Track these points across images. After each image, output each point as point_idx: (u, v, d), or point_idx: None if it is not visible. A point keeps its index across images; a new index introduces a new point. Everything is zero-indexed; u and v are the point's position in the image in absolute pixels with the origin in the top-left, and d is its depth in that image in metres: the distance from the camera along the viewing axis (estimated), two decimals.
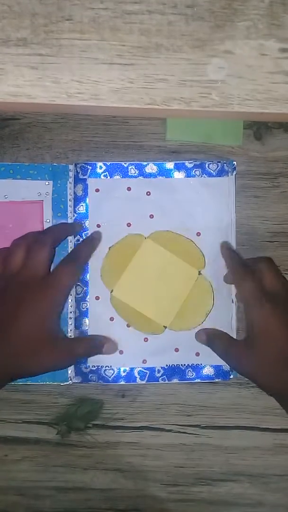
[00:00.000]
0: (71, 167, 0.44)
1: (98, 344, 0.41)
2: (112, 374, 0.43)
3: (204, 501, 0.44)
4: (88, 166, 0.43)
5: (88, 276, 0.43)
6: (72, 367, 0.43)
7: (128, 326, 0.43)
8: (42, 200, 0.44)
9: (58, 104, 0.34)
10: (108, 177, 0.43)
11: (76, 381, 0.43)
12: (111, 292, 0.43)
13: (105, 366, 0.43)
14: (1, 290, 0.38)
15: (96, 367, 0.43)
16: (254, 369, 0.38)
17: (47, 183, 0.43)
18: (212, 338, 0.42)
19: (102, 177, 0.43)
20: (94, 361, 0.43)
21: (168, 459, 0.44)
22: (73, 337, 0.43)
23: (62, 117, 0.44)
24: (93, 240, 0.43)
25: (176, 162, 0.44)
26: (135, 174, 0.44)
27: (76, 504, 0.44)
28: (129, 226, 0.44)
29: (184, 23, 0.34)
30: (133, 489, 0.44)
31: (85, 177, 0.43)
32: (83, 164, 0.43)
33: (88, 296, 0.43)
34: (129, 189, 0.44)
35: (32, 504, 0.44)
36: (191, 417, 0.44)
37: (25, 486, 0.44)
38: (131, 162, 0.44)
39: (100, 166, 0.43)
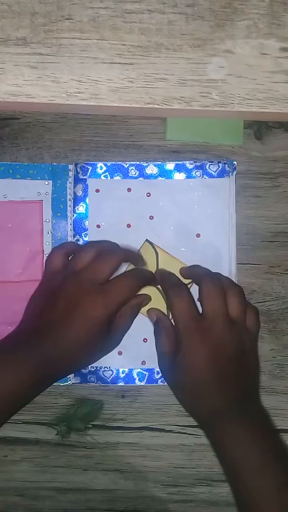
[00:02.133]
0: (70, 167, 0.43)
1: (137, 308, 0.41)
2: (111, 375, 0.43)
3: (204, 501, 0.44)
4: (88, 166, 0.43)
5: None
6: None
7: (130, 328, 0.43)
8: (42, 200, 0.43)
9: (57, 103, 0.34)
10: (109, 178, 0.43)
11: (75, 381, 0.43)
12: None
13: (104, 367, 0.43)
14: (57, 285, 0.38)
15: (95, 368, 0.43)
16: (173, 384, 0.39)
17: (46, 182, 0.43)
18: (158, 323, 0.41)
19: (102, 177, 0.43)
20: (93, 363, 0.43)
21: (168, 459, 0.44)
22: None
23: (62, 117, 0.44)
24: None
25: (177, 163, 0.43)
26: (136, 175, 0.43)
27: (76, 505, 0.44)
28: (129, 227, 0.44)
29: (184, 22, 0.34)
30: (133, 489, 0.44)
31: (85, 177, 0.43)
32: (83, 164, 0.43)
33: None
34: (129, 190, 0.43)
35: (32, 504, 0.44)
36: (191, 418, 0.44)
37: (25, 486, 0.44)
38: (132, 163, 0.43)
39: (100, 166, 0.43)
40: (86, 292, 0.37)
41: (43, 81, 0.33)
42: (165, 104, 0.34)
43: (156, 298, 0.42)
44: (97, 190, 0.43)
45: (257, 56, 0.34)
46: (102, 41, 0.33)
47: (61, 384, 0.43)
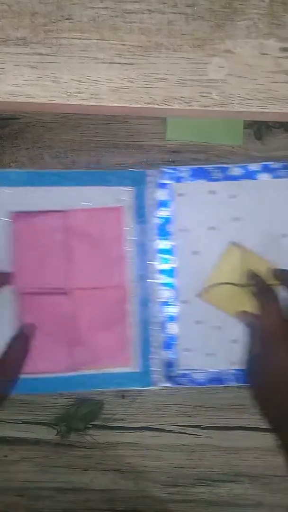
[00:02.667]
0: (149, 172, 0.43)
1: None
2: (202, 377, 0.43)
3: (204, 501, 0.44)
4: (172, 171, 0.43)
5: (173, 280, 0.43)
6: (160, 371, 0.43)
7: (216, 329, 0.43)
8: (123, 206, 0.43)
9: (57, 103, 0.34)
10: (192, 181, 0.43)
11: (165, 385, 0.43)
12: (198, 296, 0.43)
13: (195, 370, 0.43)
14: None
15: (186, 370, 0.43)
16: (258, 387, 0.38)
17: (127, 189, 0.43)
18: (250, 326, 0.40)
19: (185, 181, 0.43)
20: (183, 364, 0.43)
21: (168, 459, 0.44)
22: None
23: (62, 117, 0.44)
24: None
25: (261, 163, 0.43)
26: (219, 178, 0.43)
27: (76, 505, 0.44)
28: (213, 230, 0.43)
29: (184, 22, 0.34)
30: (133, 489, 0.44)
31: (168, 182, 0.43)
32: (167, 169, 0.43)
33: (174, 300, 0.43)
34: (213, 192, 0.43)
35: (32, 504, 0.44)
36: (191, 418, 0.44)
37: (25, 486, 0.44)
38: (215, 166, 0.43)
39: (183, 170, 0.43)
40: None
41: (43, 81, 0.33)
42: (165, 104, 0.34)
43: (242, 299, 0.42)
44: (181, 194, 0.43)
45: (257, 56, 0.34)
46: (102, 41, 0.33)
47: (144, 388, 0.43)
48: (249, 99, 0.34)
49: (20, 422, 0.44)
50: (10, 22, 0.33)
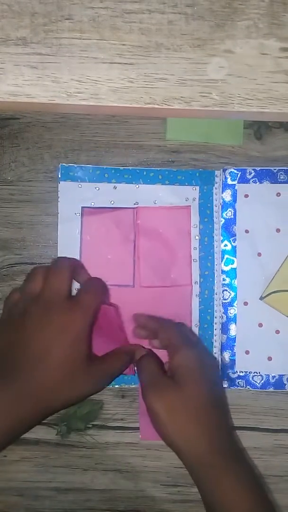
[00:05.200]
0: (217, 172, 0.44)
1: (130, 358, 0.39)
2: (261, 380, 0.43)
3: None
4: (237, 172, 0.43)
5: (235, 281, 0.43)
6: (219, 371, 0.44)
7: (277, 332, 0.43)
8: (190, 205, 0.44)
9: (57, 103, 0.34)
10: (257, 183, 0.43)
11: (225, 386, 0.43)
12: (260, 299, 0.43)
13: (254, 372, 0.43)
14: (20, 314, 0.36)
15: (244, 372, 0.43)
16: (168, 413, 0.35)
17: (194, 188, 0.43)
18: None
19: (251, 182, 0.43)
20: (241, 366, 0.43)
21: (168, 459, 0.44)
22: (118, 352, 0.40)
23: (62, 117, 0.44)
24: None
25: None
26: (285, 180, 0.43)
27: (76, 505, 0.44)
28: (278, 232, 0.43)
29: (184, 22, 0.34)
30: (133, 489, 0.44)
31: (234, 182, 0.43)
32: (232, 170, 0.43)
33: (236, 302, 0.43)
34: (278, 194, 0.43)
35: (32, 504, 0.44)
36: None
37: (25, 486, 0.44)
38: (281, 168, 0.43)
39: (249, 171, 0.43)
40: (56, 312, 0.35)
41: (43, 81, 0.33)
42: (165, 104, 0.34)
43: None
44: (246, 195, 0.43)
45: (257, 56, 0.34)
46: (102, 41, 0.33)
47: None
48: (249, 99, 0.34)
49: None
50: (10, 22, 0.33)
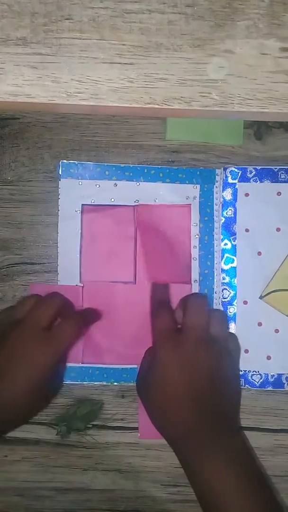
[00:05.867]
0: (218, 171, 0.44)
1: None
2: (260, 379, 0.43)
3: None
4: (238, 171, 0.43)
5: (235, 280, 0.43)
6: None
7: (276, 331, 0.43)
8: (190, 204, 0.44)
9: (57, 103, 0.34)
10: (258, 182, 0.43)
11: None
12: (260, 298, 0.43)
13: (253, 371, 0.43)
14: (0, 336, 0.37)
15: (244, 371, 0.43)
16: (147, 402, 0.38)
17: (194, 187, 0.43)
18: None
19: (252, 181, 0.43)
20: (241, 365, 0.43)
21: (168, 459, 0.44)
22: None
23: (62, 117, 0.44)
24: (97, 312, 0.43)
25: None
26: (286, 179, 0.43)
27: (76, 505, 0.44)
28: (278, 231, 0.43)
29: (184, 22, 0.34)
30: (133, 489, 0.44)
31: (234, 181, 0.43)
32: (233, 169, 0.43)
33: (235, 300, 0.43)
34: (279, 193, 0.43)
35: (32, 504, 0.44)
36: None
37: (25, 486, 0.44)
38: (282, 167, 0.43)
39: (250, 170, 0.43)
40: (30, 339, 0.36)
41: (43, 81, 0.33)
42: (165, 104, 0.34)
43: None
44: (247, 194, 0.43)
45: (257, 56, 0.34)
46: (102, 41, 0.33)
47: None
48: (249, 99, 0.34)
49: None
50: (10, 22, 0.33)
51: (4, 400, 0.35)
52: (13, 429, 0.40)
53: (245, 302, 0.43)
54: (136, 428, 0.44)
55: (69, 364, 0.43)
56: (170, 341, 0.37)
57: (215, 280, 0.44)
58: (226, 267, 0.44)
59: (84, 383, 0.43)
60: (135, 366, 0.43)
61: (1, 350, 0.36)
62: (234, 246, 0.43)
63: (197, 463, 0.35)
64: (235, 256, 0.44)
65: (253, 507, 0.34)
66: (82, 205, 0.43)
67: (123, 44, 0.33)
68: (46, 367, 0.36)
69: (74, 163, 0.43)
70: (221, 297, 0.43)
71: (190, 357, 0.36)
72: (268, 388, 0.43)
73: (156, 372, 0.37)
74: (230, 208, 0.43)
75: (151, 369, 0.38)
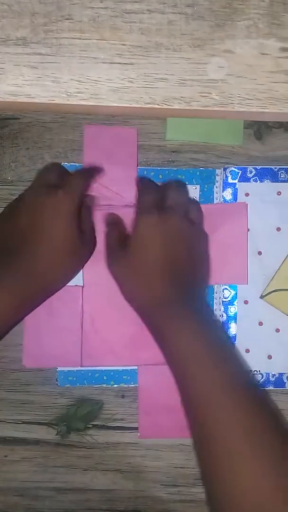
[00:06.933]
0: (218, 171, 0.44)
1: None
2: (261, 378, 0.43)
3: (204, 501, 0.44)
4: (238, 171, 0.43)
5: None
6: None
7: (277, 331, 0.43)
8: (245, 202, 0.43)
9: (57, 103, 0.34)
10: (258, 181, 0.43)
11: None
12: (261, 297, 0.43)
13: (254, 371, 0.43)
14: (17, 203, 0.39)
15: None
16: (120, 275, 0.39)
17: (194, 187, 0.44)
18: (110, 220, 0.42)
19: (252, 181, 0.43)
20: None
21: (168, 459, 0.44)
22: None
23: (62, 117, 0.44)
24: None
25: None
26: (286, 178, 0.43)
27: (76, 505, 0.44)
28: (278, 231, 0.43)
29: (184, 22, 0.34)
30: (133, 489, 0.44)
31: (234, 181, 0.43)
32: (233, 168, 0.43)
33: (236, 300, 0.43)
34: (279, 193, 0.43)
35: (32, 504, 0.44)
36: None
37: (25, 486, 0.44)
38: (281, 167, 0.43)
39: (250, 170, 0.43)
40: (43, 197, 0.37)
41: (43, 81, 0.33)
42: (165, 104, 0.34)
43: None
44: (247, 194, 0.43)
45: (257, 56, 0.34)
46: (102, 41, 0.33)
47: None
48: (249, 99, 0.34)
49: (20, 422, 0.44)
50: (10, 22, 0.33)
51: (46, 261, 0.37)
52: (58, 289, 0.40)
53: (245, 302, 0.43)
54: (136, 428, 0.44)
55: (68, 368, 0.43)
56: (153, 216, 0.38)
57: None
58: None
59: (83, 386, 0.43)
60: (135, 367, 0.43)
61: (24, 214, 0.37)
62: None
63: (167, 328, 0.35)
64: None
65: (219, 375, 0.34)
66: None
67: (123, 44, 0.33)
68: (67, 215, 0.37)
69: (75, 165, 0.43)
70: (221, 296, 0.43)
71: (170, 231, 0.38)
72: (269, 388, 0.43)
73: (136, 244, 0.38)
74: None
75: (130, 241, 0.38)
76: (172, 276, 0.37)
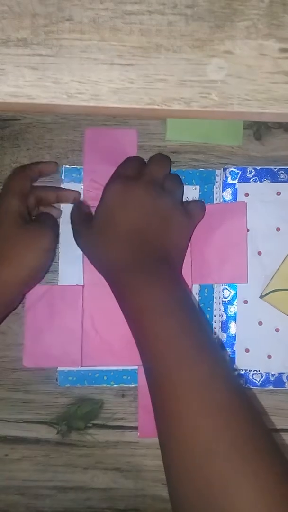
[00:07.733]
0: (218, 171, 0.44)
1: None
2: (261, 378, 0.43)
3: None
4: (238, 171, 0.43)
5: None
6: None
7: (277, 331, 0.43)
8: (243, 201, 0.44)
9: (58, 104, 0.34)
10: (258, 182, 0.44)
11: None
12: (260, 297, 0.44)
13: (253, 371, 0.43)
14: None
15: (244, 371, 0.43)
16: (88, 247, 0.40)
17: (194, 188, 0.44)
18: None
19: (251, 181, 0.44)
20: (241, 364, 0.43)
21: None
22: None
23: (63, 118, 0.44)
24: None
25: None
26: (285, 179, 0.43)
27: (76, 504, 0.44)
28: (278, 231, 0.44)
29: (184, 23, 0.34)
30: (133, 488, 0.44)
31: (234, 181, 0.44)
32: (233, 169, 0.43)
33: (235, 300, 0.44)
34: (278, 193, 0.44)
35: (32, 503, 0.44)
36: None
37: (25, 485, 0.44)
38: (281, 167, 0.44)
39: (249, 170, 0.44)
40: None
41: (44, 82, 0.34)
42: (165, 105, 0.34)
43: None
44: (247, 194, 0.44)
45: (257, 56, 0.34)
46: (102, 42, 0.34)
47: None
48: (248, 99, 0.34)
49: (21, 421, 0.44)
50: (10, 23, 0.33)
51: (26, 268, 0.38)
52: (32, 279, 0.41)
53: (245, 302, 0.43)
54: (136, 427, 0.44)
55: (68, 368, 0.43)
56: (116, 184, 0.38)
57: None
58: None
59: (83, 386, 0.44)
60: (135, 367, 0.43)
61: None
62: None
63: (127, 291, 0.36)
64: None
65: (178, 325, 0.34)
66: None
67: (123, 45, 0.34)
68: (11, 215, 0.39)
69: (76, 168, 0.43)
70: (221, 296, 0.44)
71: (134, 198, 0.38)
72: (269, 387, 0.43)
73: (99, 212, 0.39)
74: None
75: (98, 208, 0.39)
76: (132, 242, 0.37)
